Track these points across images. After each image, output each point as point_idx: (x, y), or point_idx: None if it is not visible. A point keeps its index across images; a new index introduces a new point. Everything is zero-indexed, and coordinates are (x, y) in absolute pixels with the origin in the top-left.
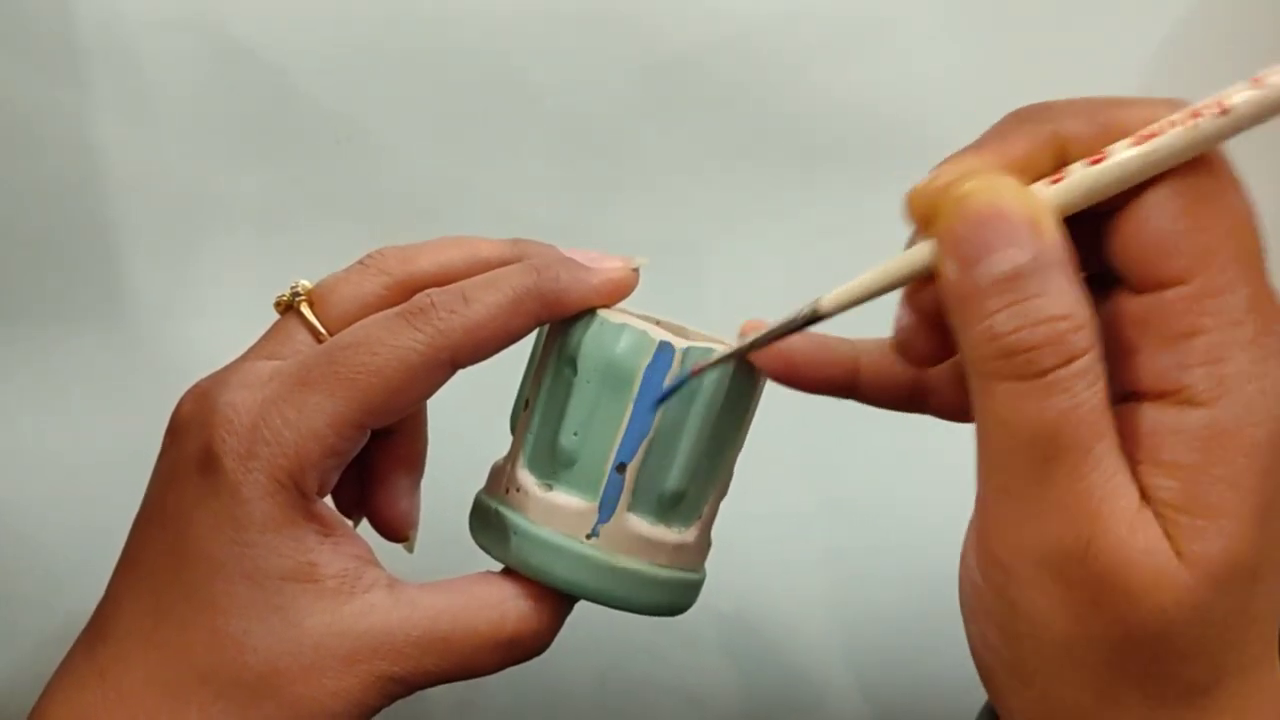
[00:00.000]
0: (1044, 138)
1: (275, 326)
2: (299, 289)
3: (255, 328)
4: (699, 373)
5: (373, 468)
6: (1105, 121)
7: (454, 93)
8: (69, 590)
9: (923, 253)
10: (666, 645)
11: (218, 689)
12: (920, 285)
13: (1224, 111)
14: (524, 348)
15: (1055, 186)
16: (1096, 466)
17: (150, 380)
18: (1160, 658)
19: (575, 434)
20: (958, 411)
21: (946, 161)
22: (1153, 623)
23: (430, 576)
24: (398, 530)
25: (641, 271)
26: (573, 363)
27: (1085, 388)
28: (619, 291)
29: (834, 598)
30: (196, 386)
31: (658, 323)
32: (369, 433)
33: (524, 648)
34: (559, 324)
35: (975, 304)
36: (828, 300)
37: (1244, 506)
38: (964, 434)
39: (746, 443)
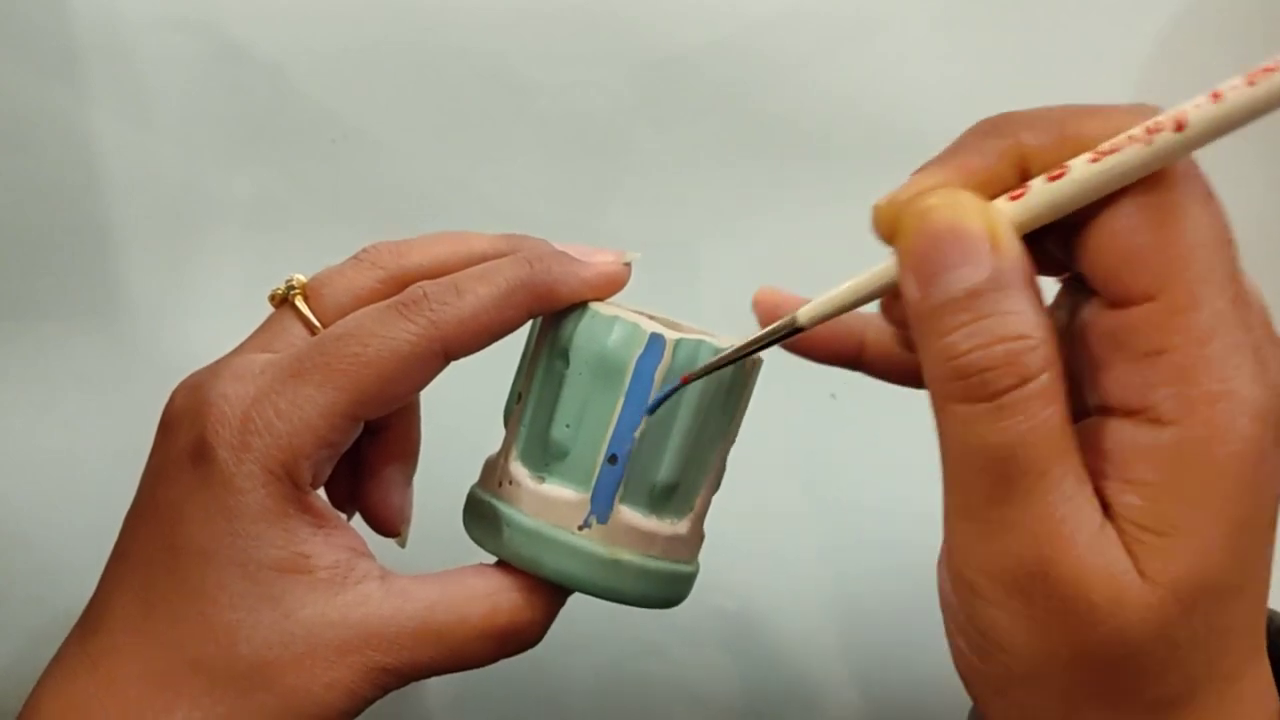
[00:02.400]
0: (1006, 151)
1: (269, 320)
2: (293, 283)
3: (250, 326)
4: (689, 381)
5: (365, 462)
6: (1066, 134)
7: (449, 92)
8: (63, 586)
9: (891, 267)
10: (665, 641)
11: (210, 679)
12: (894, 298)
13: (1180, 127)
14: (517, 341)
15: (1016, 203)
16: (1054, 487)
17: (145, 378)
18: (1127, 675)
19: (568, 426)
20: None
21: (911, 175)
22: (1116, 641)
23: (424, 570)
24: (390, 524)
25: (636, 269)
26: (565, 355)
27: (1041, 409)
28: (611, 285)
29: (832, 593)
30: (189, 379)
31: (650, 317)
32: (362, 424)
33: (517, 639)
34: (551, 317)
35: (932, 322)
36: (804, 313)
37: (1211, 526)
38: None
39: (743, 440)
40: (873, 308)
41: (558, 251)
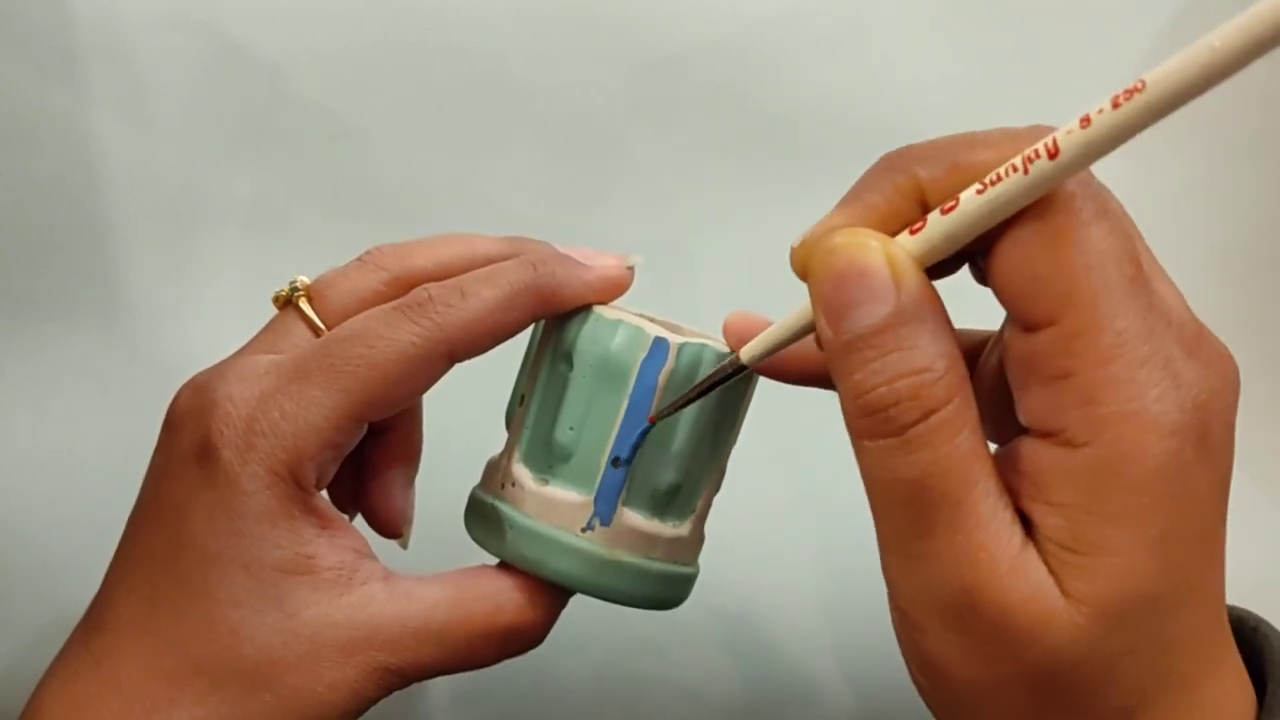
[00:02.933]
0: (903, 186)
1: (273, 321)
2: (297, 284)
3: (251, 325)
4: (654, 423)
5: (368, 463)
6: (958, 165)
7: (448, 91)
8: (64, 585)
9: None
10: (664, 640)
11: (213, 679)
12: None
13: (1053, 155)
14: (519, 344)
15: (915, 237)
16: (970, 514)
17: (146, 377)
18: (1070, 693)
19: (571, 429)
20: None
21: (823, 218)
22: (1049, 663)
23: (426, 571)
24: (393, 526)
25: (635, 270)
26: (568, 358)
27: (947, 439)
28: (615, 288)
29: (830, 592)
30: (194, 379)
31: (652, 320)
32: (366, 426)
33: (520, 640)
34: (555, 320)
35: (843, 360)
36: (745, 352)
37: (1133, 542)
38: None
39: (741, 439)
40: None
41: (562, 255)
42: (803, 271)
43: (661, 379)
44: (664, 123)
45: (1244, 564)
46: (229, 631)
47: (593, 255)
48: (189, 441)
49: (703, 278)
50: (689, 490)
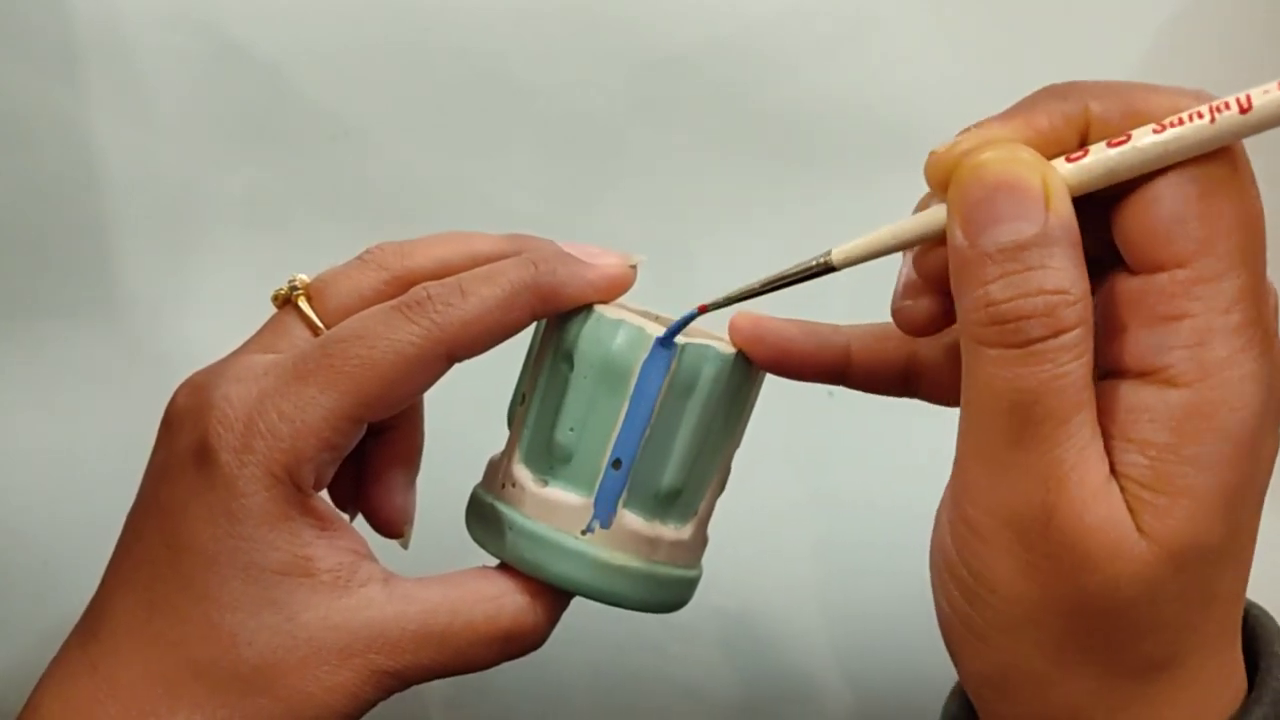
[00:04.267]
0: (1070, 115)
1: (272, 320)
2: (296, 283)
3: (250, 323)
4: (705, 311)
5: (368, 463)
6: (1132, 106)
7: (447, 90)
8: (64, 585)
9: (938, 215)
10: (664, 639)
11: (212, 682)
12: (929, 248)
13: (1245, 110)
14: (521, 343)
15: (1074, 164)
16: (1070, 437)
17: (145, 375)
18: (1116, 630)
19: (571, 430)
20: (947, 394)
21: (971, 127)
22: (1108, 592)
23: (426, 572)
24: (393, 526)
25: (638, 268)
26: (569, 358)
27: (1070, 360)
28: (616, 287)
29: (828, 591)
30: (191, 379)
31: (655, 319)
32: (365, 426)
33: (520, 642)
34: (556, 319)
35: (976, 270)
36: (839, 253)
37: (1210, 489)
38: (954, 427)
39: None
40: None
41: (563, 253)
42: (941, 180)
43: (664, 380)
44: (664, 123)
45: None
46: (228, 635)
47: (595, 253)
48: (186, 443)
49: (703, 278)
50: (691, 492)
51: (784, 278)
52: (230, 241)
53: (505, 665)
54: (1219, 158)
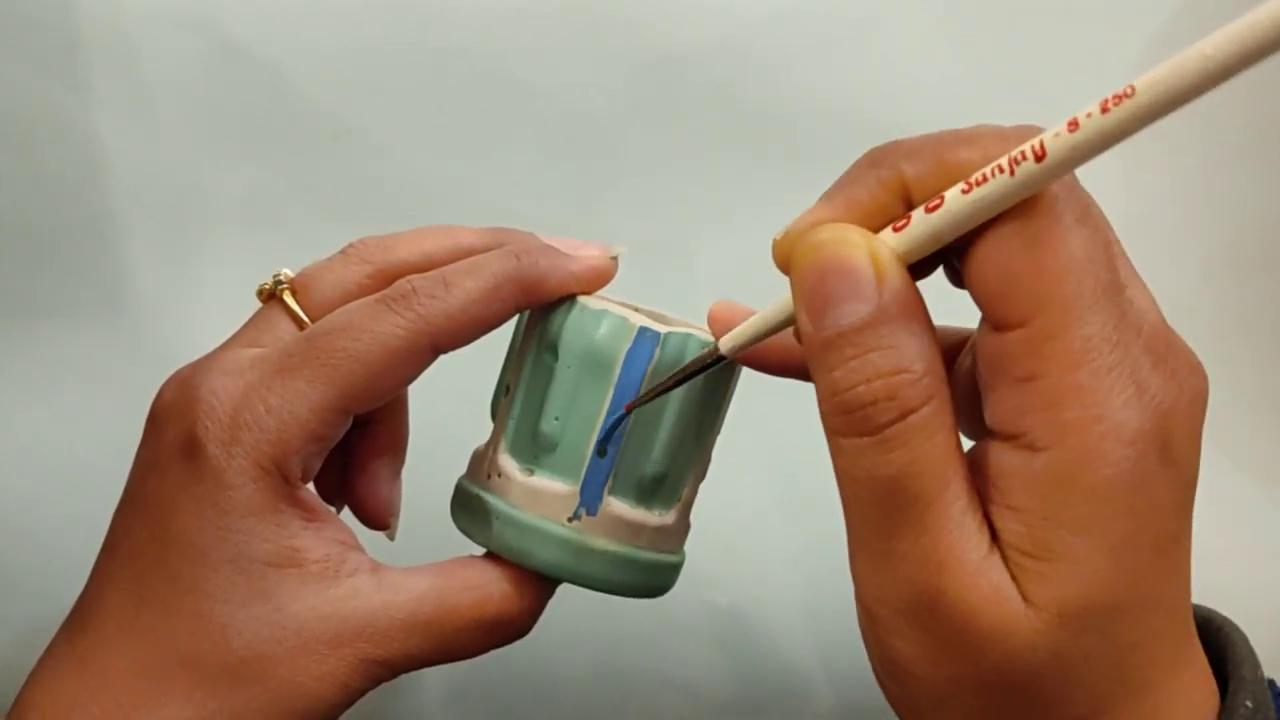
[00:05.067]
0: (888, 182)
1: (257, 315)
2: (281, 277)
3: None
4: (630, 410)
5: (354, 455)
6: (944, 163)
7: (447, 90)
8: (65, 582)
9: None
10: (660, 635)
11: (201, 674)
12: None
13: (1040, 158)
14: (503, 335)
15: (899, 234)
16: (941, 516)
17: (147, 374)
18: (1028, 698)
19: (556, 419)
20: None
21: (806, 211)
22: (1008, 667)
23: (413, 562)
24: (379, 518)
25: (632, 266)
26: (553, 348)
27: (924, 440)
28: (599, 278)
29: (818, 588)
30: (177, 374)
31: (637, 310)
32: (351, 418)
33: (506, 630)
34: (539, 310)
35: (822, 357)
36: (724, 342)
37: (1090, 549)
38: None
39: (731, 434)
40: None
41: (545, 245)
42: (784, 264)
43: (647, 369)
44: (664, 123)
45: (1244, 564)
46: (217, 626)
47: (576, 245)
48: (174, 436)
49: (702, 277)
50: (674, 479)
51: (684, 372)
52: (231, 241)
53: (498, 661)
54: (1035, 207)
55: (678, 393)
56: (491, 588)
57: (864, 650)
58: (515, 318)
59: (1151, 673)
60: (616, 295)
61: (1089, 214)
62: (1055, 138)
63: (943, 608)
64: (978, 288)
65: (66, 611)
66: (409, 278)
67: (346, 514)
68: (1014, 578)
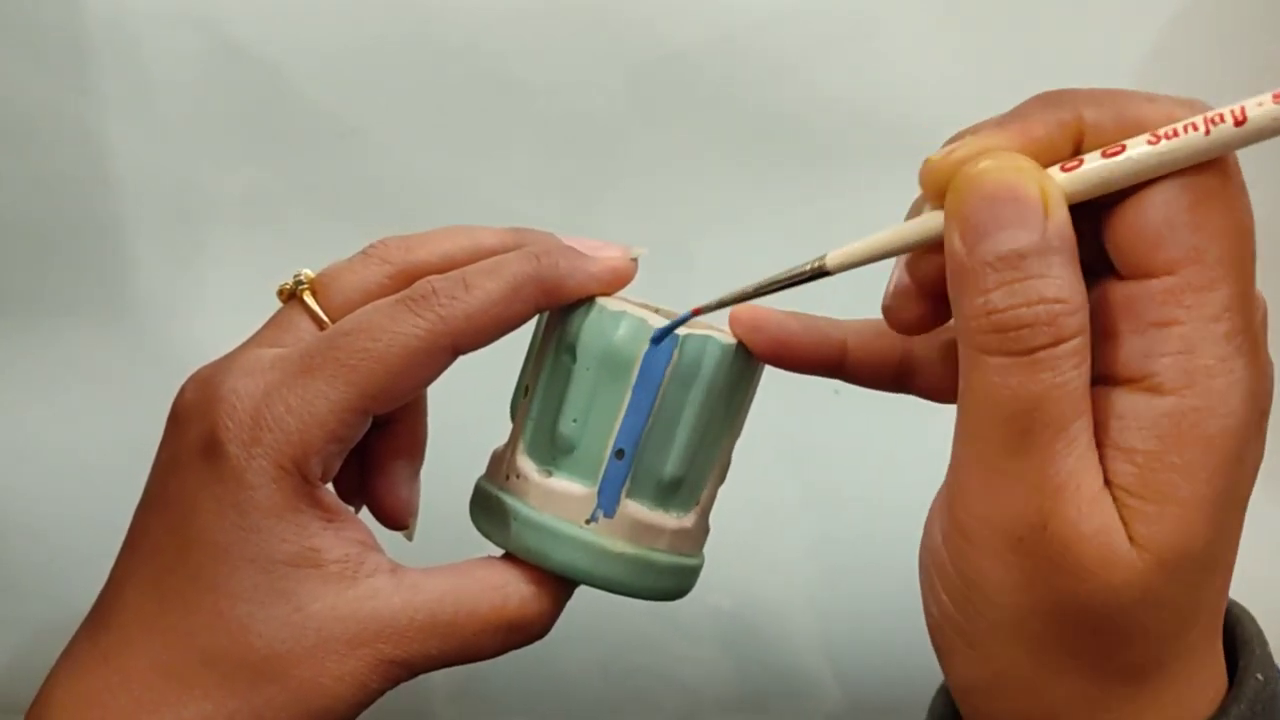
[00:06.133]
0: (1065, 123)
1: (278, 315)
2: (301, 278)
3: (257, 321)
4: (700, 313)
5: (373, 455)
6: (1126, 115)
7: (450, 91)
8: (72, 580)
9: (933, 222)
10: (666, 636)
11: (222, 673)
12: (922, 253)
13: (1240, 122)
14: (523, 336)
15: (1069, 174)
16: (1069, 445)
17: (152, 373)
18: (1104, 636)
19: (574, 421)
20: (941, 391)
21: (966, 134)
22: (1099, 601)
23: (431, 563)
24: (398, 518)
25: (639, 261)
26: (572, 350)
27: (1070, 368)
28: (618, 280)
29: (824, 589)
30: (199, 373)
31: (656, 311)
32: (371, 419)
33: (525, 631)
34: (558, 311)
35: (975, 278)
36: (834, 257)
37: (1197, 496)
38: (950, 425)
39: (746, 436)
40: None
41: (565, 246)
42: (936, 186)
43: (665, 371)
44: (664, 123)
45: (1244, 562)
46: (237, 626)
47: (596, 246)
48: (194, 436)
49: (703, 277)
50: (693, 482)
51: (777, 282)
52: (234, 240)
53: (508, 660)
54: (1211, 168)
55: (697, 394)
56: (510, 589)
57: (867, 650)
58: (535, 319)
59: (1201, 637)
60: (631, 297)
61: (1245, 189)
62: (1259, 106)
63: (1050, 532)
64: (1128, 234)
65: (73, 610)
66: (429, 278)
67: (365, 514)
68: (1121, 517)
